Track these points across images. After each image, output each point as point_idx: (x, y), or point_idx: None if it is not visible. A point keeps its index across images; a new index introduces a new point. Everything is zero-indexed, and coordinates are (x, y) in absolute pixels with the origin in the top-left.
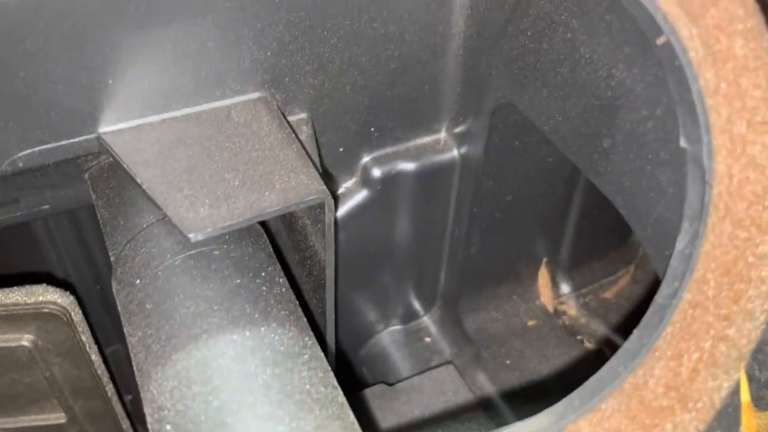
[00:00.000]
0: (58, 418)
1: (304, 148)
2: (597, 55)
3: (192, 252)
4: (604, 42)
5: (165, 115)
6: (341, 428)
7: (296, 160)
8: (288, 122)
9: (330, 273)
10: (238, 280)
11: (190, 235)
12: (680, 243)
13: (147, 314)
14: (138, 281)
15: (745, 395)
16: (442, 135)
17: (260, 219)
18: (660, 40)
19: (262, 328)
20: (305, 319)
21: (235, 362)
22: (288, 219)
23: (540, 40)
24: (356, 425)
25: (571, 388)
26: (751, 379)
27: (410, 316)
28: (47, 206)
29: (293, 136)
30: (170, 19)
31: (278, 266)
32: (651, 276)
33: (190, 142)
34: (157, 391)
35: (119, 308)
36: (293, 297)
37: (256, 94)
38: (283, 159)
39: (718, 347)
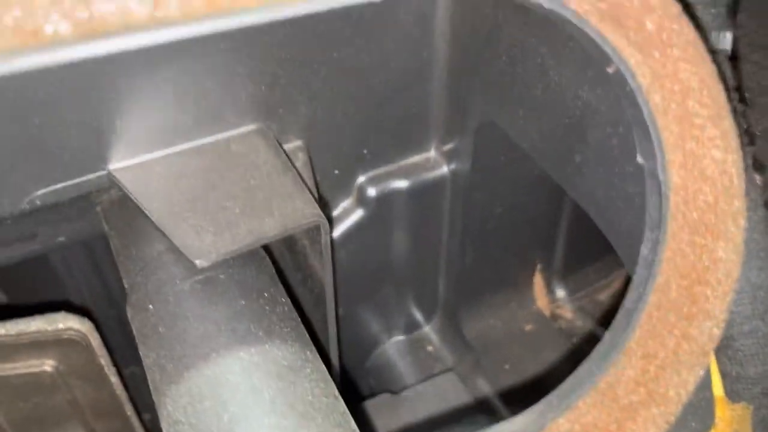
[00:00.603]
0: None
1: (299, 174)
2: (564, 78)
3: (199, 277)
4: (570, 66)
5: (169, 150)
6: None
7: (292, 187)
8: (284, 150)
9: (329, 291)
10: (243, 302)
11: (197, 262)
12: (644, 250)
13: (160, 337)
14: (151, 306)
15: (718, 389)
16: (432, 153)
17: (260, 243)
18: (610, 69)
19: (266, 346)
20: (307, 335)
21: (242, 378)
22: (288, 241)
23: (514, 64)
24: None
25: None
26: (723, 374)
27: (412, 326)
28: (63, 238)
29: (289, 163)
30: (170, 65)
31: (280, 287)
32: None
33: (194, 174)
34: (173, 408)
35: (134, 332)
36: (295, 315)
37: (253, 126)
38: (279, 186)
39: (682, 346)
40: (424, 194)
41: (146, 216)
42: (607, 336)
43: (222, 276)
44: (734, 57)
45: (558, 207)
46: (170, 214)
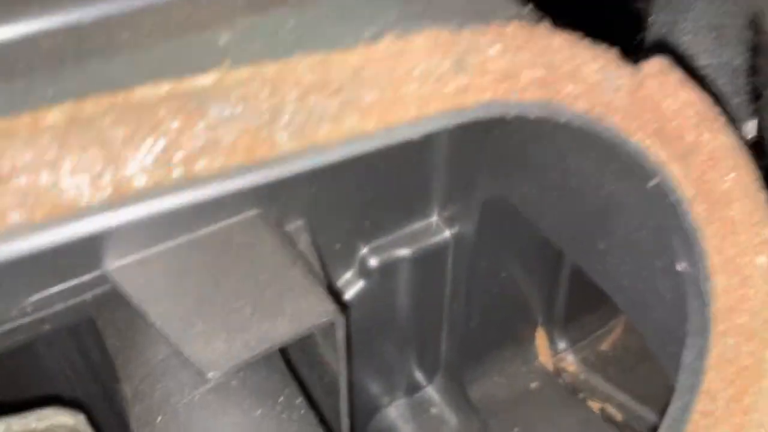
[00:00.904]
0: None
1: (305, 259)
2: (585, 166)
3: (210, 385)
4: (591, 155)
5: (169, 244)
6: None
7: (303, 280)
8: (286, 232)
9: (343, 385)
10: (259, 411)
11: (209, 375)
12: (687, 357)
13: None
14: (159, 419)
15: None
16: (434, 219)
17: (275, 349)
18: (652, 182)
19: None
20: None
21: None
22: None
23: (526, 144)
24: None
25: None
26: None
27: (414, 387)
28: (48, 326)
29: (296, 252)
30: None
31: (294, 384)
32: None
33: (197, 270)
34: None
35: None
36: (312, 415)
37: (253, 211)
38: (289, 280)
39: None
40: (426, 260)
41: (149, 322)
42: None
43: (234, 382)
44: (759, 144)
45: (560, 261)
46: (175, 319)
